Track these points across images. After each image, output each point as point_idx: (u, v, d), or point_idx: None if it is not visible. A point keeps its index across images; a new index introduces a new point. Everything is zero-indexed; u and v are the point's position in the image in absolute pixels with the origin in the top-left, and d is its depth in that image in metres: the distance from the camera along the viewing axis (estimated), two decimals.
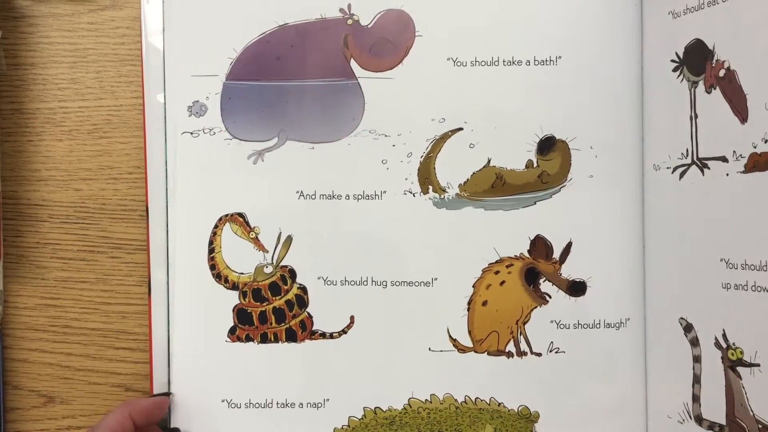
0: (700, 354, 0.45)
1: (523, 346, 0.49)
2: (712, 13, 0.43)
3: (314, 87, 0.49)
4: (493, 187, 0.49)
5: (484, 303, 0.49)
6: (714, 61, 0.43)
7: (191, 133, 0.49)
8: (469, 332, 0.49)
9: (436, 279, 0.49)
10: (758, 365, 0.41)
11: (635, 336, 0.49)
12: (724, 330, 0.43)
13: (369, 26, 0.49)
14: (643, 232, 0.48)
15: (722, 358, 0.43)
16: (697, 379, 0.45)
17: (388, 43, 0.49)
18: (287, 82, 0.49)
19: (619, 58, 0.48)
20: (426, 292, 0.49)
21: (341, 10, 0.49)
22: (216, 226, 0.49)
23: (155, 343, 0.49)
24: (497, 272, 0.49)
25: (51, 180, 0.53)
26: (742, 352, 0.42)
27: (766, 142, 0.40)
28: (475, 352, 0.49)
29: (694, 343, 0.45)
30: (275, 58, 0.49)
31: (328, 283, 0.49)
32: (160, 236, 0.49)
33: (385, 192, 0.49)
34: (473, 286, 0.49)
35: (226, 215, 0.49)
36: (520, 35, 0.48)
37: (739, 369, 0.42)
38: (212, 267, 0.49)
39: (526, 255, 0.49)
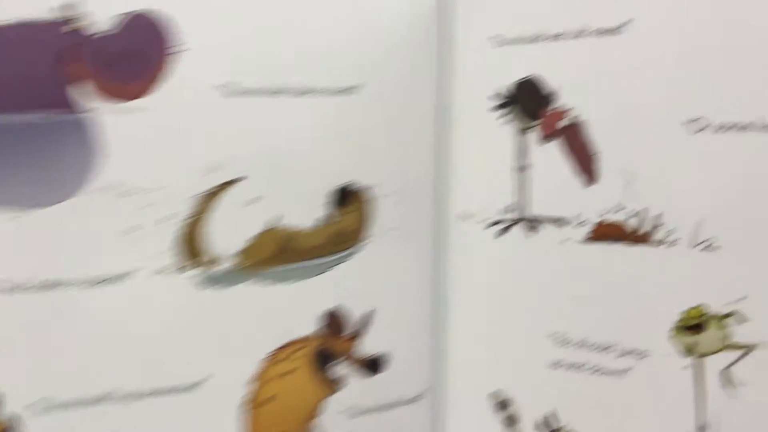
0: None
1: None
2: (558, 49, 0.37)
3: (16, 125, 0.34)
4: (278, 253, 0.40)
5: (267, 401, 0.40)
6: (555, 106, 0.37)
7: None
8: None
9: (204, 380, 0.38)
10: None
11: (432, 410, 0.43)
12: (554, 411, 0.38)
13: (107, 35, 0.35)
14: (447, 293, 0.43)
15: None
16: None
17: (137, 60, 0.36)
18: None
19: (428, 92, 0.41)
20: (189, 399, 0.38)
21: (60, 8, 0.34)
22: None
23: None
24: (282, 360, 0.40)
25: None
26: None
27: (620, 210, 0.35)
28: None
29: (512, 421, 0.40)
30: None
31: (51, 408, 0.35)
32: None
33: (132, 272, 0.37)
34: (252, 382, 0.39)
35: None
36: (313, 58, 0.39)
37: None
38: None
39: (318, 334, 0.41)
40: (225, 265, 0.38)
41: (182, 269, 0.37)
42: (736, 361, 0.32)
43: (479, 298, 0.41)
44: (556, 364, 0.38)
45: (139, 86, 0.36)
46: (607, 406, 0.36)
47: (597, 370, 0.36)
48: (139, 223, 0.36)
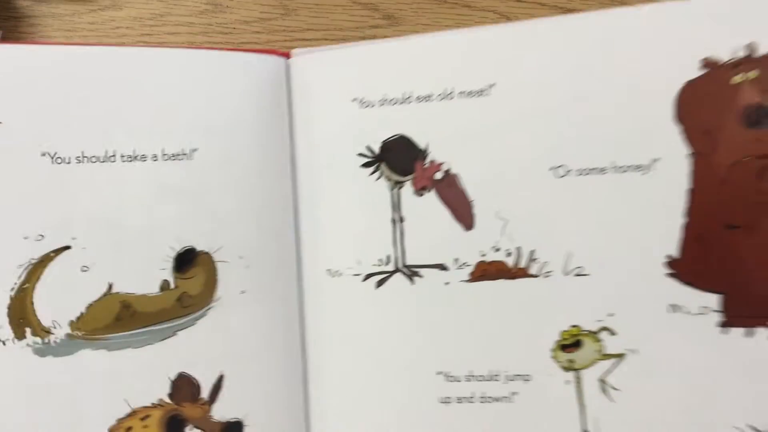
0: None
1: None
2: (426, 110, 0.39)
3: None
4: (118, 319, 0.38)
5: None
6: (427, 161, 0.39)
7: None
8: None
9: None
10: None
11: None
12: None
13: None
14: (305, 349, 0.41)
15: None
16: None
17: None
18: None
19: (271, 148, 0.41)
20: None
21: None
22: None
23: None
24: (129, 429, 0.38)
25: None
26: None
27: (497, 250, 0.38)
28: None
29: None
30: None
31: None
32: None
33: None
34: None
35: None
36: (142, 122, 0.38)
37: None
38: None
39: (167, 400, 0.39)
40: (62, 333, 0.37)
41: (14, 339, 0.36)
42: (611, 369, 0.37)
43: (359, 350, 0.40)
44: (447, 400, 0.39)
45: None
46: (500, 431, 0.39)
47: (486, 399, 0.38)
48: None
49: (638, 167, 0.36)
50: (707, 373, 0.36)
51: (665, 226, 0.36)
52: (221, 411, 0.39)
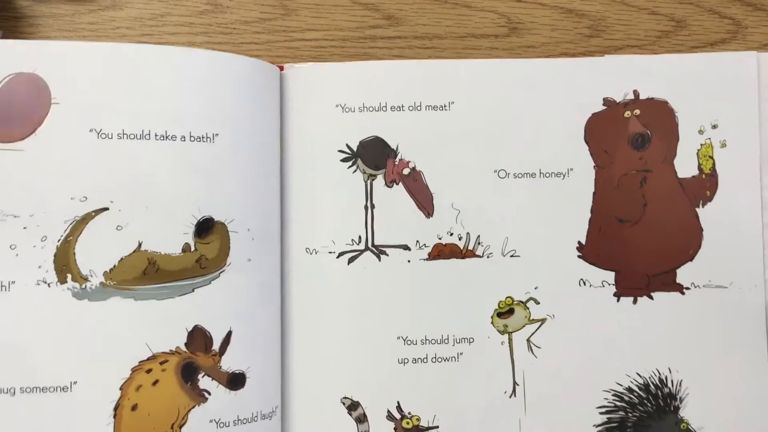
0: (368, 430, 0.47)
1: None
2: (397, 118, 0.48)
3: None
4: (145, 273, 0.43)
5: (134, 407, 0.43)
6: (397, 159, 0.47)
7: None
8: None
9: (75, 383, 0.42)
10: (437, 427, 0.47)
11: (281, 425, 0.47)
12: (398, 402, 0.47)
13: None
14: (287, 315, 0.47)
15: (395, 429, 0.47)
16: None
17: (17, 110, 0.42)
18: None
19: (266, 141, 0.47)
20: (63, 398, 0.42)
21: None
22: None
23: None
24: (149, 371, 0.43)
25: None
26: (418, 419, 0.47)
27: (451, 235, 0.47)
28: None
29: (361, 420, 0.47)
30: None
31: None
32: None
33: (13, 282, 0.42)
34: (121, 389, 0.42)
35: None
36: (174, 109, 0.44)
37: None
38: None
39: (183, 349, 0.44)
40: (97, 281, 0.42)
41: (58, 282, 0.42)
42: (535, 331, 0.47)
43: (332, 317, 0.47)
44: (404, 360, 0.46)
45: (19, 132, 0.42)
46: (447, 387, 0.47)
47: (437, 359, 0.46)
48: (19, 242, 0.41)
49: (558, 174, 0.47)
50: (606, 332, 0.47)
51: (576, 220, 0.47)
52: (227, 362, 0.44)
